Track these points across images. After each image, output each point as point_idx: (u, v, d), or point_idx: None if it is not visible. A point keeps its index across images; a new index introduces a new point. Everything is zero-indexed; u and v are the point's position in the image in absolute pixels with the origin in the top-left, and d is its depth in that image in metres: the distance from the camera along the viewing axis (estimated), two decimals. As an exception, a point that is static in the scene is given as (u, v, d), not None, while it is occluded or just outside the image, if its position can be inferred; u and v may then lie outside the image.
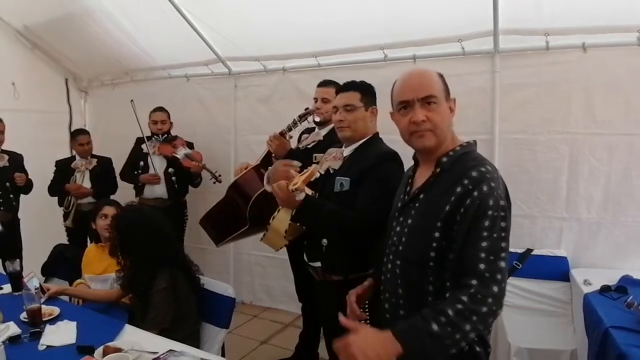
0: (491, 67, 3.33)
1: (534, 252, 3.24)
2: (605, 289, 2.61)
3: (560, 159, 3.25)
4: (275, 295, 4.38)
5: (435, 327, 1.26)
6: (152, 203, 4.05)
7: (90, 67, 5.06)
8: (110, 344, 1.87)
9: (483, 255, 1.33)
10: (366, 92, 2.32)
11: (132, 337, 2.00)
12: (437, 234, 1.41)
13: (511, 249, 3.21)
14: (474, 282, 1.31)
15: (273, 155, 3.03)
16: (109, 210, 2.88)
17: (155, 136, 4.25)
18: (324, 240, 2.24)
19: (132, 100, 4.21)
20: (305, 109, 3.10)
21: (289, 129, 3.05)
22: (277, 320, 4.16)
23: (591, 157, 3.17)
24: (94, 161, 4.38)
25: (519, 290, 3.20)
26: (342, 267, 2.20)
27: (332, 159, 2.40)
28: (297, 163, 2.44)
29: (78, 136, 4.37)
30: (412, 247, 1.50)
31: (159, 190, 4.16)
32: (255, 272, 4.46)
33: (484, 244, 1.33)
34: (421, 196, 1.51)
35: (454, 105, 1.52)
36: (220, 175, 4.00)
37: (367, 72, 3.26)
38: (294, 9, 3.41)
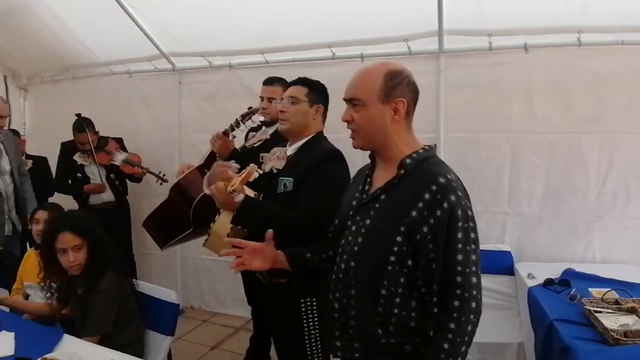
0: (436, 67, 3.37)
1: (479, 247, 3.32)
2: (548, 282, 2.68)
3: (502, 156, 3.34)
4: (224, 300, 4.28)
5: None
6: (101, 207, 4.00)
7: (30, 63, 4.78)
8: (48, 355, 1.79)
9: (459, 268, 1.35)
10: (314, 89, 2.28)
11: (71, 347, 1.91)
12: (398, 238, 1.39)
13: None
14: (456, 303, 1.34)
15: (217, 155, 2.94)
16: (41, 215, 2.72)
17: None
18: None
19: (79, 115, 4.00)
20: (249, 108, 3.00)
21: (232, 129, 2.94)
22: (228, 324, 4.07)
23: (532, 154, 3.28)
24: (29, 162, 4.13)
25: (466, 285, 3.26)
26: (287, 270, 2.15)
27: (275, 158, 2.34)
28: (235, 165, 2.36)
29: None
30: (369, 249, 1.46)
31: (105, 196, 4.06)
32: (202, 277, 4.35)
33: (459, 256, 1.35)
34: (382, 197, 1.47)
35: (403, 107, 1.45)
36: (164, 175, 3.87)
37: (315, 70, 3.24)
38: (240, 5, 3.33)
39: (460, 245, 1.35)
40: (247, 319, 3.90)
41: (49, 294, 2.41)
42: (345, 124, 1.52)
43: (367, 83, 1.46)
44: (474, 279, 1.36)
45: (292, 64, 3.67)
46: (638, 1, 2.75)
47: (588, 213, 3.21)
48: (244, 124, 2.94)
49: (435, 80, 3.37)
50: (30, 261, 2.79)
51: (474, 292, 1.36)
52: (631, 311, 2.19)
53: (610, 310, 2.19)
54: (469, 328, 1.36)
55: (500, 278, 3.23)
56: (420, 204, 1.37)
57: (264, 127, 3.01)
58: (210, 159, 2.99)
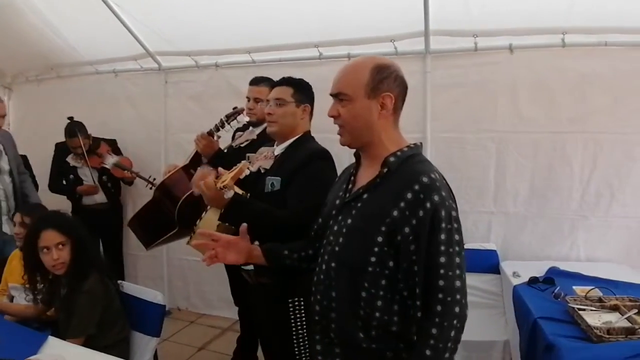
0: (422, 68, 3.39)
1: (465, 246, 3.33)
2: (533, 281, 2.71)
3: (488, 156, 3.37)
4: (210, 301, 4.26)
5: None
6: (94, 207, 4.06)
7: (14, 62, 4.70)
8: (32, 357, 1.77)
9: (442, 271, 1.30)
10: (300, 89, 2.27)
11: (55, 349, 1.88)
12: (379, 239, 1.35)
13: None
14: (439, 308, 1.30)
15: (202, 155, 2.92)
16: (17, 218, 2.72)
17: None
18: (256, 242, 2.17)
19: (71, 119, 3.98)
20: (234, 108, 2.99)
21: (217, 129, 2.91)
22: (215, 325, 4.05)
23: (517, 154, 3.31)
24: None
25: (452, 284, 3.28)
26: (273, 269, 2.14)
27: (263, 158, 2.33)
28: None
29: None
30: (349, 250, 1.42)
31: (98, 197, 4.09)
32: (189, 278, 4.32)
33: (442, 259, 1.30)
34: (365, 196, 1.43)
35: (390, 102, 1.41)
36: (155, 180, 3.86)
37: (302, 69, 3.23)
38: (227, 4, 3.31)
39: (443, 247, 1.30)
40: (234, 320, 3.89)
41: (31, 296, 2.38)
42: (332, 123, 1.50)
43: (354, 77, 1.42)
44: (457, 283, 1.31)
45: (279, 63, 3.66)
46: (621, 3, 2.79)
47: (572, 212, 3.24)
48: (229, 124, 2.93)
49: (421, 81, 3.38)
50: (15, 262, 2.75)
51: (458, 296, 1.31)
52: (614, 309, 2.22)
53: (593, 308, 2.22)
54: (452, 334, 1.31)
55: (486, 276, 3.26)
56: (402, 204, 1.32)
57: (251, 127, 2.99)
58: (196, 159, 2.97)
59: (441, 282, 1.30)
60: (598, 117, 3.12)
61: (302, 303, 2.11)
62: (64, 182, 4.08)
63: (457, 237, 1.33)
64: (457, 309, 1.31)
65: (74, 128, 3.91)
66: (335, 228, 1.48)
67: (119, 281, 2.41)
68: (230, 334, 3.82)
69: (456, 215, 1.35)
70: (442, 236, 1.30)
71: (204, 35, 3.73)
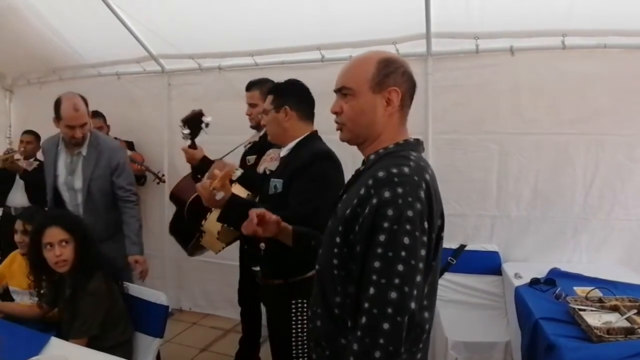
0: (424, 69, 3.39)
1: (467, 248, 3.37)
2: (534, 282, 2.72)
3: (490, 158, 3.37)
4: (214, 301, 4.28)
5: None
6: None
7: (15, 64, 4.75)
8: (34, 358, 1.77)
9: (374, 277, 1.14)
10: (278, 93, 2.25)
11: (58, 350, 1.89)
12: (337, 239, 1.27)
13: (445, 246, 3.31)
14: (363, 320, 1.15)
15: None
16: (18, 226, 2.69)
17: None
18: (262, 244, 2.17)
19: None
20: (192, 111, 2.75)
21: (186, 137, 2.72)
22: (217, 326, 4.06)
23: (520, 156, 3.31)
24: (35, 164, 4.10)
25: (453, 285, 3.30)
26: (281, 271, 2.16)
27: (269, 160, 2.36)
28: (232, 165, 2.36)
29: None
30: (323, 252, 1.37)
31: None
32: (193, 278, 4.34)
33: (377, 263, 1.14)
34: (344, 196, 1.37)
35: (397, 97, 1.31)
36: (163, 175, 3.93)
37: (304, 72, 3.25)
38: (230, 7, 3.34)
39: (380, 250, 1.14)
40: (236, 321, 3.87)
41: (36, 298, 2.39)
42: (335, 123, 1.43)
43: (359, 71, 1.33)
44: (392, 294, 1.11)
45: (281, 66, 3.69)
46: (620, 6, 2.80)
47: (575, 215, 3.25)
48: (189, 127, 2.71)
49: (423, 83, 3.38)
50: (15, 266, 2.77)
51: (389, 310, 1.11)
52: (614, 309, 2.23)
53: (593, 309, 2.23)
54: (377, 355, 1.11)
55: (488, 278, 3.28)
56: (355, 201, 1.23)
57: (255, 131, 3.04)
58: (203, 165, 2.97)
59: (371, 290, 1.14)
60: (599, 118, 3.13)
61: (306, 305, 2.10)
62: None
63: (406, 240, 1.14)
64: (386, 326, 1.12)
65: (96, 111, 3.87)
66: (326, 231, 1.42)
67: (124, 283, 2.43)
68: (232, 335, 3.83)
69: (412, 215, 1.15)
70: (382, 237, 1.15)
71: (207, 38, 3.75)
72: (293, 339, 2.12)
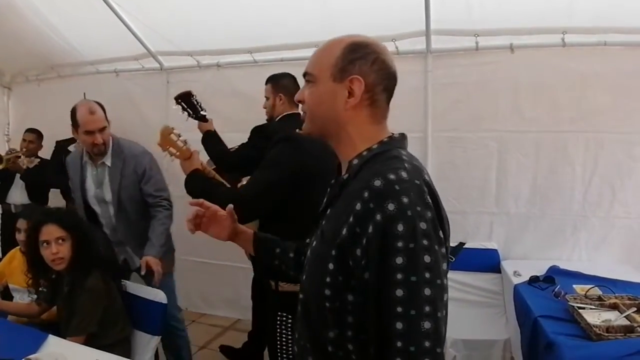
0: (424, 67, 3.39)
1: (466, 246, 3.35)
2: (534, 280, 2.72)
3: (489, 156, 3.37)
4: (211, 301, 4.26)
5: None
6: None
7: (13, 62, 4.71)
8: (32, 356, 1.76)
9: (400, 309, 0.94)
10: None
11: (55, 348, 1.88)
12: (331, 266, 1.05)
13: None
14: None
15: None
16: (22, 224, 2.68)
17: None
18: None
19: None
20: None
21: (189, 114, 3.10)
22: (216, 324, 4.05)
23: (519, 154, 3.31)
24: (35, 161, 4.14)
25: (452, 283, 3.25)
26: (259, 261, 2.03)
27: None
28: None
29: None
30: (310, 279, 1.15)
31: None
32: (188, 278, 4.29)
33: (399, 292, 0.94)
34: (328, 211, 1.15)
35: (359, 87, 1.10)
36: None
37: (303, 69, 3.22)
38: (228, 3, 3.33)
39: (400, 276, 0.94)
40: (234, 319, 3.92)
41: (34, 296, 2.39)
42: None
43: (323, 55, 1.15)
44: (426, 324, 0.93)
45: (280, 63, 3.65)
46: (620, 3, 2.79)
47: (574, 213, 3.25)
48: (185, 104, 3.10)
49: (422, 80, 3.39)
50: (15, 263, 2.76)
51: (427, 344, 0.93)
52: (613, 307, 2.23)
53: (593, 307, 2.23)
54: None
55: (487, 276, 3.28)
56: (351, 219, 1.01)
57: None
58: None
59: (399, 325, 0.94)
60: (599, 116, 3.12)
61: (290, 320, 2.00)
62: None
63: (427, 258, 0.95)
64: None
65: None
66: (309, 251, 1.21)
67: (123, 281, 2.43)
68: (232, 333, 3.84)
69: (427, 228, 0.96)
70: (398, 260, 0.95)
71: (206, 35, 3.74)
72: (278, 353, 2.04)
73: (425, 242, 0.95)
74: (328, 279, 1.05)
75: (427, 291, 0.94)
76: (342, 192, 1.11)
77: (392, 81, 1.16)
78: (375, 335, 0.99)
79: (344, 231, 1.02)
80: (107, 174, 2.76)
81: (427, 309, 0.94)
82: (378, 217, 0.97)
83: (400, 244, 0.94)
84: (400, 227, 0.95)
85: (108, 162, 2.77)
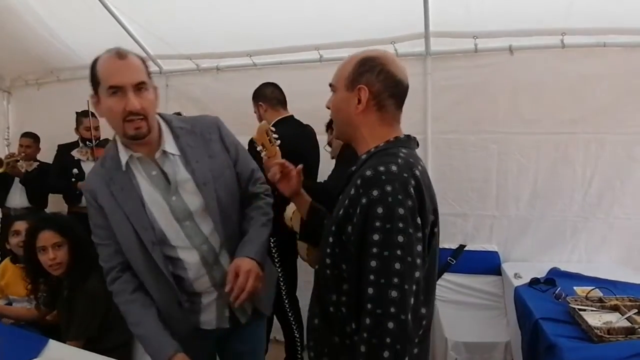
0: (423, 69, 3.39)
1: (466, 248, 3.36)
2: (534, 282, 2.71)
3: (489, 158, 3.36)
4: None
5: None
6: None
7: (13, 66, 4.71)
8: (33, 361, 1.76)
9: (372, 277, 1.15)
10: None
11: (56, 353, 1.89)
12: (331, 239, 1.28)
13: (445, 246, 3.30)
14: (368, 321, 1.14)
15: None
16: (21, 226, 2.68)
17: (87, 141, 4.07)
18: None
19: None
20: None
21: None
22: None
23: (519, 156, 3.30)
24: (35, 164, 4.12)
25: (453, 286, 3.30)
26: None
27: None
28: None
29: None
30: (321, 250, 1.39)
31: None
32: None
33: (373, 263, 1.15)
34: (340, 196, 1.36)
35: (364, 95, 1.31)
36: None
37: (302, 72, 3.24)
38: (227, 7, 3.32)
39: (375, 249, 1.14)
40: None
41: (34, 302, 2.39)
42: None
43: (342, 69, 1.37)
44: (393, 293, 1.12)
45: (280, 66, 3.67)
46: (619, 4, 2.79)
47: (574, 214, 3.24)
48: None
49: (422, 82, 3.38)
50: (9, 274, 2.76)
51: (392, 309, 1.12)
52: (614, 309, 2.22)
53: (594, 308, 2.22)
54: (385, 354, 1.11)
55: (488, 278, 3.28)
56: (347, 202, 1.23)
57: None
58: None
59: (370, 291, 1.15)
60: (598, 117, 3.12)
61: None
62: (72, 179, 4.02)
63: (400, 238, 1.14)
64: (391, 325, 1.12)
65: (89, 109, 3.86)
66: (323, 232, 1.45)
67: None
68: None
69: (404, 213, 1.15)
70: (375, 236, 1.15)
71: (205, 38, 3.73)
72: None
73: (400, 224, 1.14)
74: (328, 250, 1.28)
75: (397, 265, 1.13)
76: (350, 181, 1.30)
77: (399, 88, 1.35)
78: (356, 299, 1.20)
79: (342, 212, 1.25)
80: (181, 165, 1.67)
81: (395, 280, 1.13)
82: (364, 200, 1.18)
83: (378, 224, 1.15)
84: (380, 210, 1.15)
85: (171, 149, 1.66)
